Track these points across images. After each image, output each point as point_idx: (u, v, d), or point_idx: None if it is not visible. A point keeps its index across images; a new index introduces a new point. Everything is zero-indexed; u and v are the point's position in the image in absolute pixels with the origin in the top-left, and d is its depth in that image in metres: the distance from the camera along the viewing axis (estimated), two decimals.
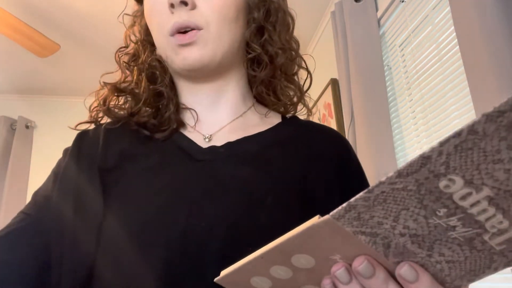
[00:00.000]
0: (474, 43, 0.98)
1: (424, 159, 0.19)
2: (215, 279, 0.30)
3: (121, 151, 0.50)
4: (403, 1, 1.50)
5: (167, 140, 0.51)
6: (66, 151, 0.53)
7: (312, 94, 2.54)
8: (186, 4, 0.48)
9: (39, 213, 0.47)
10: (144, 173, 0.44)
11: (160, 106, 0.54)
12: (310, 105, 0.62)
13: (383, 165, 1.43)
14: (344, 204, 0.22)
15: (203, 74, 0.52)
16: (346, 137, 1.68)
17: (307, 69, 0.59)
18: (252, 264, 0.27)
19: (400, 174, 0.20)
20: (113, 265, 0.42)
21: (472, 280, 0.24)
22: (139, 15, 0.58)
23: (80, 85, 2.84)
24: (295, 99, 0.58)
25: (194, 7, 0.48)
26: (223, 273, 0.29)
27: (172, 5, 0.48)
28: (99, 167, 0.48)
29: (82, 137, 0.53)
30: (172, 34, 0.49)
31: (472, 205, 0.20)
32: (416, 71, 1.41)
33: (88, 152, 0.50)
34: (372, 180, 1.43)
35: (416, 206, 0.21)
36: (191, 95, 0.54)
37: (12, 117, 2.86)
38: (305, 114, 0.61)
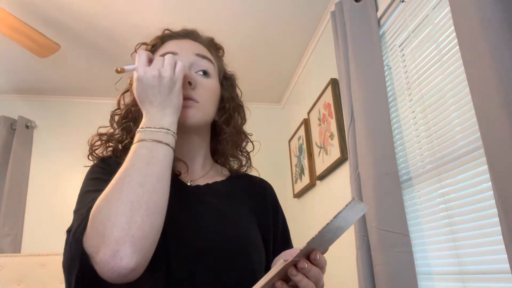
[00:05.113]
0: (474, 43, 0.98)
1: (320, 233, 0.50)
2: None
3: None
4: (403, 1, 1.50)
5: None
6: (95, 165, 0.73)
7: (312, 94, 2.54)
8: (191, 84, 0.71)
9: None
10: None
11: None
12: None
13: (383, 165, 1.43)
14: (295, 255, 0.51)
15: (193, 128, 0.74)
16: (346, 137, 1.69)
17: (252, 143, 0.89)
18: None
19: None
20: None
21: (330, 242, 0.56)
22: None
23: (80, 85, 2.84)
24: (236, 166, 0.86)
25: (194, 88, 0.72)
26: None
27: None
28: None
29: (104, 160, 0.74)
30: None
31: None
32: (416, 71, 1.42)
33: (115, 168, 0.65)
34: (371, 180, 1.43)
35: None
36: (180, 146, 0.72)
37: (12, 117, 2.86)
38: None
